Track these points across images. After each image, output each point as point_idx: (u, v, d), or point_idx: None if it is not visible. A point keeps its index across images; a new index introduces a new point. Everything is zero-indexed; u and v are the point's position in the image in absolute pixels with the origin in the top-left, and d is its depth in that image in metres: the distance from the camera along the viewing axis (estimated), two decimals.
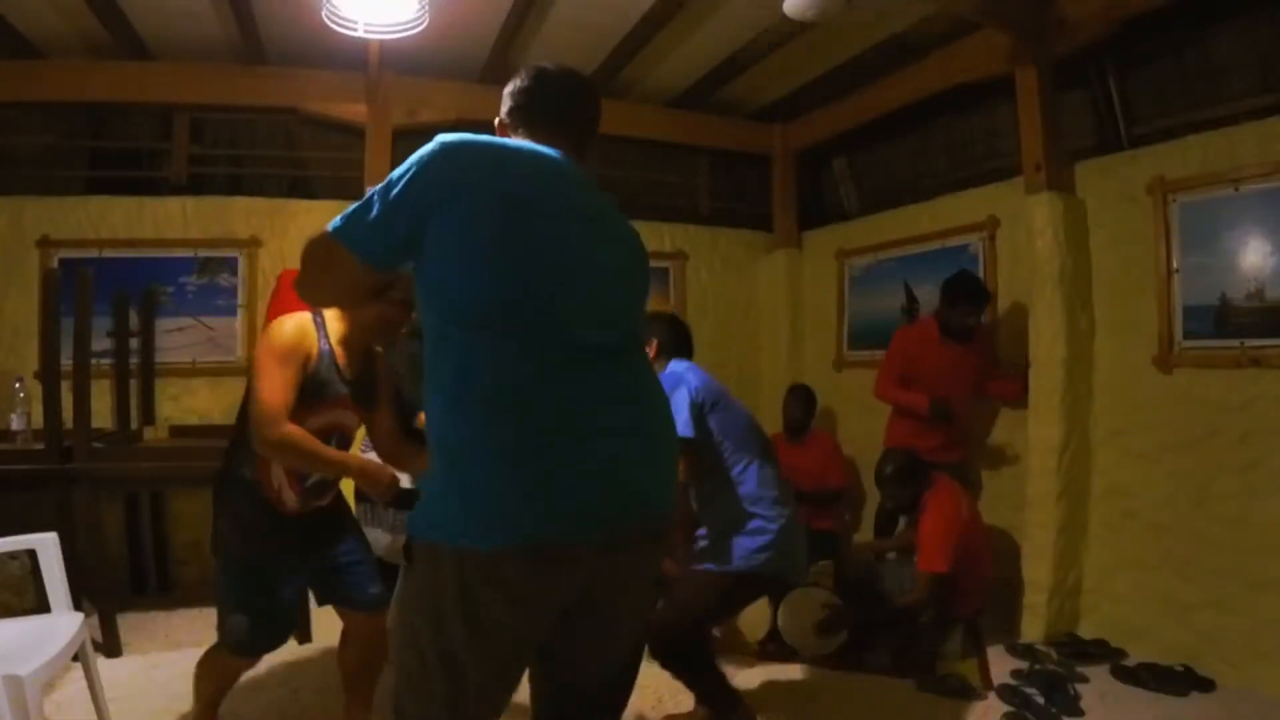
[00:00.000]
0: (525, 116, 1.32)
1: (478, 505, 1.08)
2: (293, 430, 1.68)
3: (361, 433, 2.12)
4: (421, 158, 1.15)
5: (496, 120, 1.36)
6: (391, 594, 2.03)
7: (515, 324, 1.11)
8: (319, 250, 1.21)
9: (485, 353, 1.11)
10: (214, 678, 1.95)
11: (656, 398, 1.29)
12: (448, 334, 1.14)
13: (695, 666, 2.24)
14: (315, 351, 1.77)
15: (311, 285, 1.27)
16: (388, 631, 2.03)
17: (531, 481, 1.08)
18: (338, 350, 1.83)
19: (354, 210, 1.17)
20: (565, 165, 1.25)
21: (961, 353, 3.30)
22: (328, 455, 1.75)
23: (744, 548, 2.18)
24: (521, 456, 1.08)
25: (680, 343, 2.44)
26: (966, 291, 3.26)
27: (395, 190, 1.14)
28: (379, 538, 2.89)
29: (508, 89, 1.35)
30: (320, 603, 2.05)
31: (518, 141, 1.25)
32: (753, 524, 2.19)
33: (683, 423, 2.15)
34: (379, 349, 2.02)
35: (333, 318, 1.84)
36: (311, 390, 1.76)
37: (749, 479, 2.23)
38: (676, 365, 2.36)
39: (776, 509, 2.21)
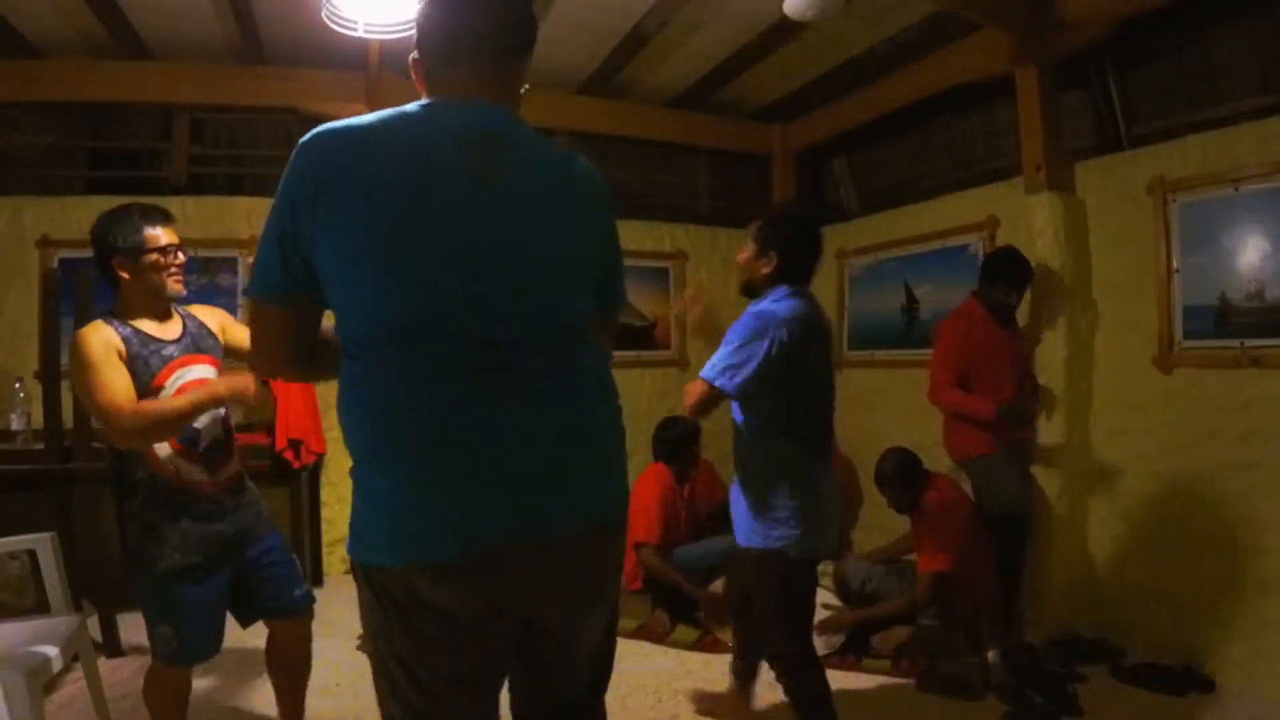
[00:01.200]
0: (431, 53, 1.15)
1: (387, 525, 1.03)
2: (136, 406, 1.68)
3: None
4: (288, 167, 1.04)
5: (410, 56, 1.19)
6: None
7: (402, 335, 1.02)
8: (251, 321, 1.15)
9: (375, 368, 1.03)
10: (163, 696, 1.87)
11: (591, 394, 1.15)
12: (345, 353, 1.08)
13: (805, 692, 1.97)
14: (119, 340, 1.75)
15: (263, 360, 1.18)
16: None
17: (436, 502, 1.01)
18: (139, 326, 1.81)
19: (256, 257, 1.10)
20: (462, 125, 1.08)
21: (1009, 336, 3.04)
22: (183, 401, 1.73)
23: (778, 519, 1.91)
24: (424, 476, 1.02)
25: (803, 262, 2.02)
26: (1008, 267, 3.01)
27: (272, 214, 1.05)
28: None
29: (416, 16, 1.17)
30: (245, 622, 1.96)
31: (390, 116, 1.06)
32: (785, 500, 1.92)
33: (740, 380, 1.85)
34: (188, 308, 1.97)
35: (120, 308, 1.83)
36: (139, 369, 1.75)
37: (798, 462, 1.94)
38: (782, 302, 1.93)
39: (821, 486, 1.97)
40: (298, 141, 1.06)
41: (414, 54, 1.18)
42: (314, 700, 2.43)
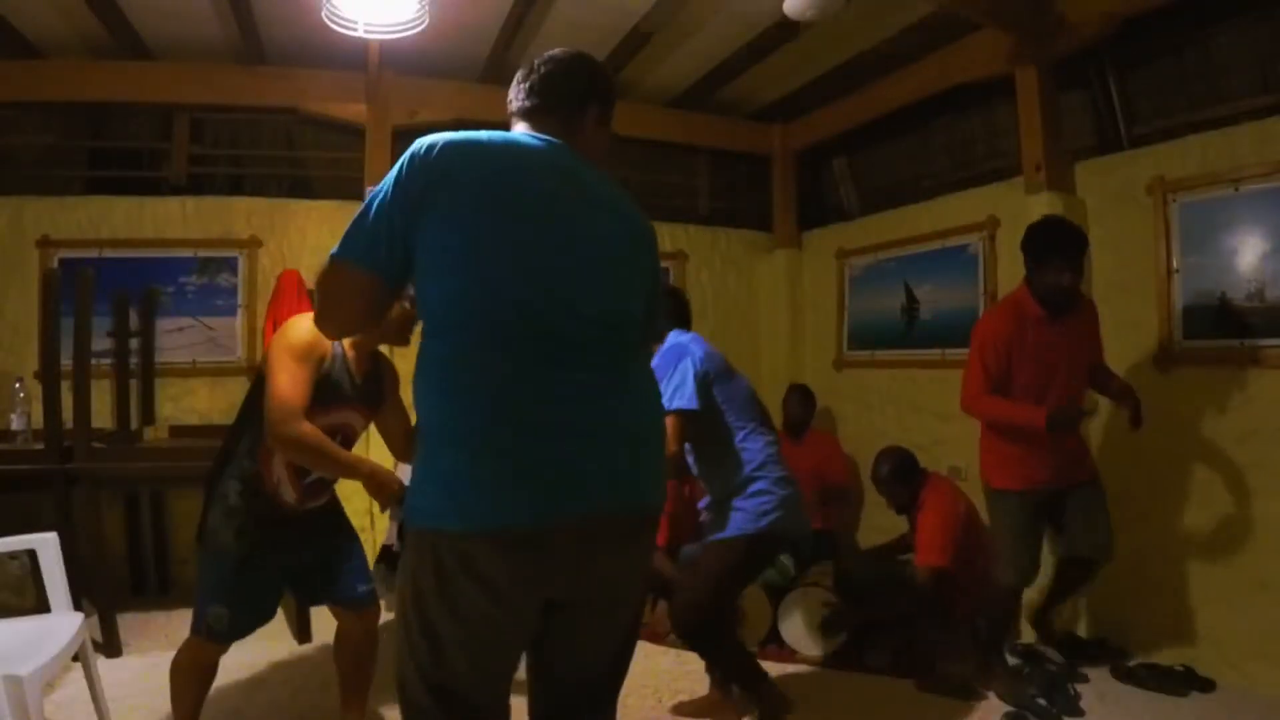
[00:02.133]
0: (517, 106, 1.33)
1: (452, 491, 1.10)
2: (308, 428, 1.69)
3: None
4: (401, 164, 1.17)
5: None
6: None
7: (492, 322, 1.12)
8: (327, 277, 1.23)
9: (462, 351, 1.13)
10: (191, 674, 1.92)
11: (644, 390, 1.28)
12: (430, 334, 1.17)
13: (719, 643, 2.28)
14: (329, 352, 1.78)
15: (330, 315, 1.28)
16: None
17: (503, 470, 1.09)
18: (349, 352, 1.85)
19: (350, 227, 1.18)
20: (549, 151, 1.24)
21: (1065, 330, 2.51)
22: (340, 456, 1.75)
23: (750, 511, 2.22)
24: (494, 447, 1.10)
25: (680, 314, 2.48)
26: (1054, 241, 2.45)
27: (380, 197, 1.16)
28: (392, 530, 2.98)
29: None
30: (310, 603, 2.07)
31: (493, 135, 1.22)
32: (756, 486, 2.24)
33: (688, 395, 2.18)
34: (383, 350, 2.02)
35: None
36: (322, 390, 1.77)
37: (751, 445, 2.28)
38: (679, 336, 2.37)
39: (779, 470, 2.28)
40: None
41: (510, 113, 1.35)
42: (324, 697, 2.44)
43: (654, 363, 2.26)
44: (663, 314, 2.29)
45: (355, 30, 2.36)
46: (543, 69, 1.33)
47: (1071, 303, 2.50)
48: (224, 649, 1.92)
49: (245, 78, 3.82)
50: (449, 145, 1.16)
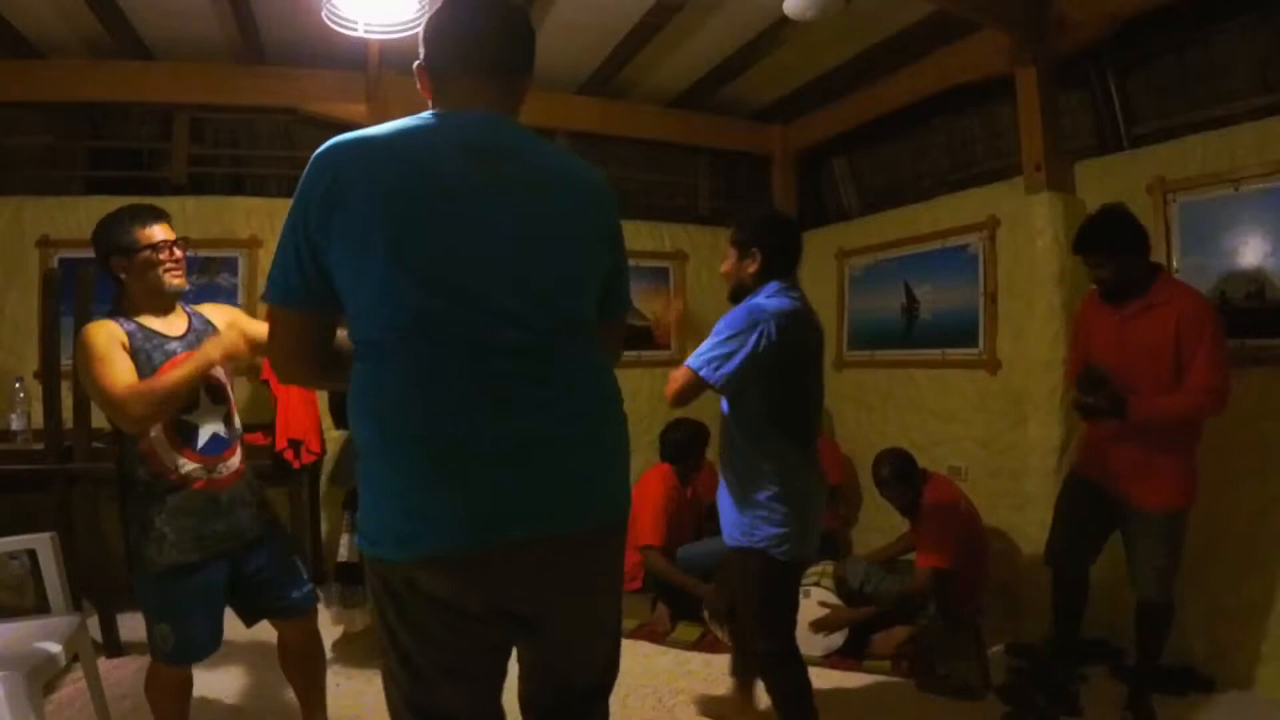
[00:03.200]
0: (438, 65, 1.19)
1: (386, 519, 1.07)
2: (138, 384, 1.71)
3: None
4: (304, 177, 1.08)
5: (415, 64, 1.23)
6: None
7: (416, 338, 1.05)
8: (270, 327, 1.17)
9: (383, 368, 1.06)
10: (165, 695, 1.88)
11: (591, 395, 1.17)
12: (356, 355, 1.11)
13: (782, 687, 2.00)
14: (123, 334, 1.78)
15: (282, 364, 1.19)
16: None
17: (434, 495, 1.04)
18: (144, 321, 1.83)
19: (270, 269, 1.12)
20: (471, 133, 1.12)
21: (1122, 321, 2.38)
22: (181, 371, 1.75)
23: (769, 524, 1.92)
24: (420, 472, 1.05)
25: (786, 254, 2.02)
26: (1079, 237, 2.43)
27: (288, 224, 1.09)
28: (351, 540, 2.93)
29: (423, 25, 1.22)
30: (249, 622, 1.99)
31: (401, 126, 1.10)
32: (778, 503, 1.91)
33: (726, 372, 1.83)
34: (196, 307, 1.99)
35: (125, 306, 1.85)
36: (142, 362, 1.77)
37: (786, 453, 1.94)
38: (772, 299, 1.92)
39: (807, 488, 1.98)
40: (312, 151, 1.09)
41: (419, 61, 1.22)
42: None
43: (725, 315, 1.93)
44: (767, 249, 1.96)
45: (355, 30, 2.36)
46: (462, 23, 1.18)
47: (1124, 294, 2.37)
48: (187, 670, 1.87)
49: (245, 78, 3.82)
50: (338, 151, 1.07)
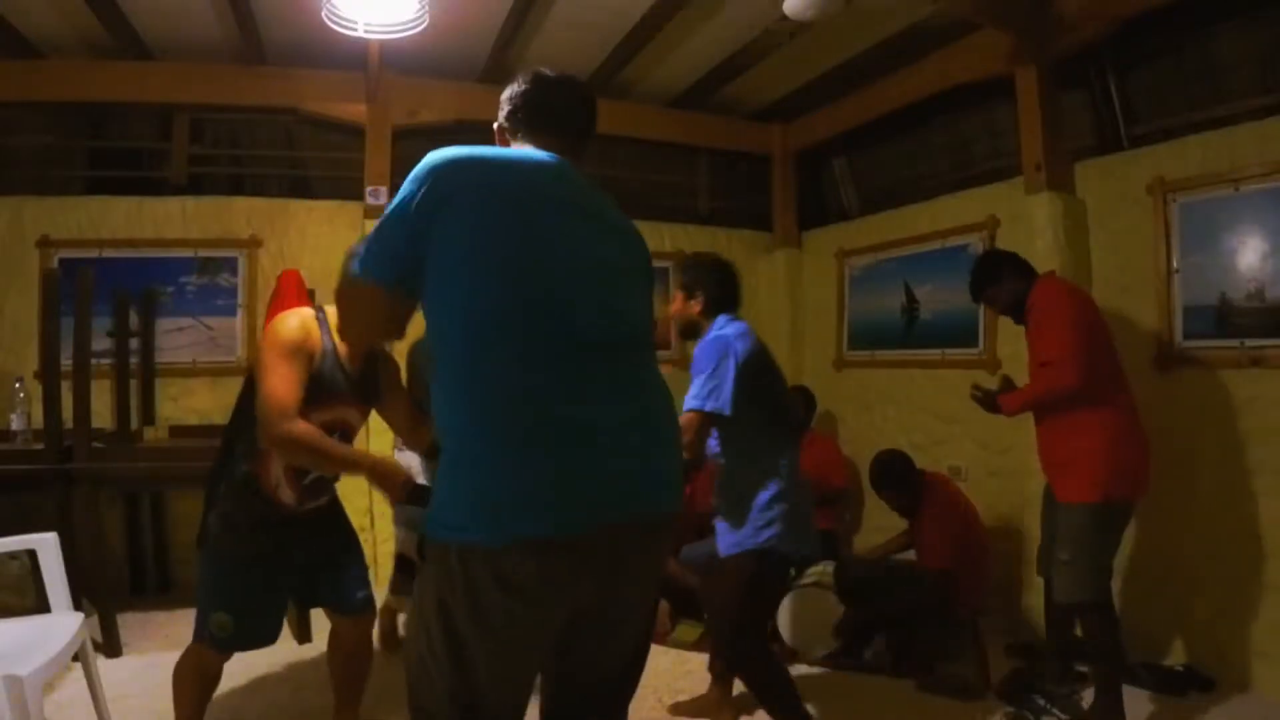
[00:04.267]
0: (524, 121, 1.34)
1: (483, 503, 1.09)
2: (303, 426, 1.64)
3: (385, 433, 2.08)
4: (414, 179, 1.17)
5: (495, 125, 1.38)
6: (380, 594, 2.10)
7: (517, 328, 1.12)
8: (346, 292, 1.30)
9: (480, 358, 1.12)
10: (193, 681, 1.88)
11: (662, 394, 1.28)
12: (447, 341, 1.15)
13: (757, 673, 2.13)
14: (319, 348, 1.75)
15: (352, 326, 1.36)
16: (400, 636, 2.02)
17: (536, 479, 1.08)
18: (341, 347, 1.80)
19: (369, 243, 1.22)
20: (562, 166, 1.27)
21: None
22: (338, 452, 1.71)
23: (760, 525, 2.07)
24: (520, 456, 1.09)
25: (728, 295, 2.25)
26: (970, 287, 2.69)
27: (394, 213, 1.18)
28: (399, 534, 2.95)
29: (506, 94, 1.37)
30: (306, 606, 2.03)
31: (506, 150, 1.26)
32: (768, 503, 2.07)
33: (724, 398, 2.03)
34: (384, 347, 2.00)
35: (335, 316, 1.80)
36: (315, 387, 1.73)
37: (772, 456, 2.12)
38: (727, 327, 2.18)
39: (793, 486, 2.13)
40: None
41: (500, 124, 1.38)
42: (324, 697, 2.43)
43: (695, 352, 2.17)
44: (710, 290, 2.22)
45: (355, 30, 2.36)
46: (549, 89, 1.35)
47: (1017, 316, 2.54)
48: (226, 657, 1.89)
49: (245, 78, 3.82)
50: (462, 160, 1.18)
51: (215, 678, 1.93)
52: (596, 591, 1.17)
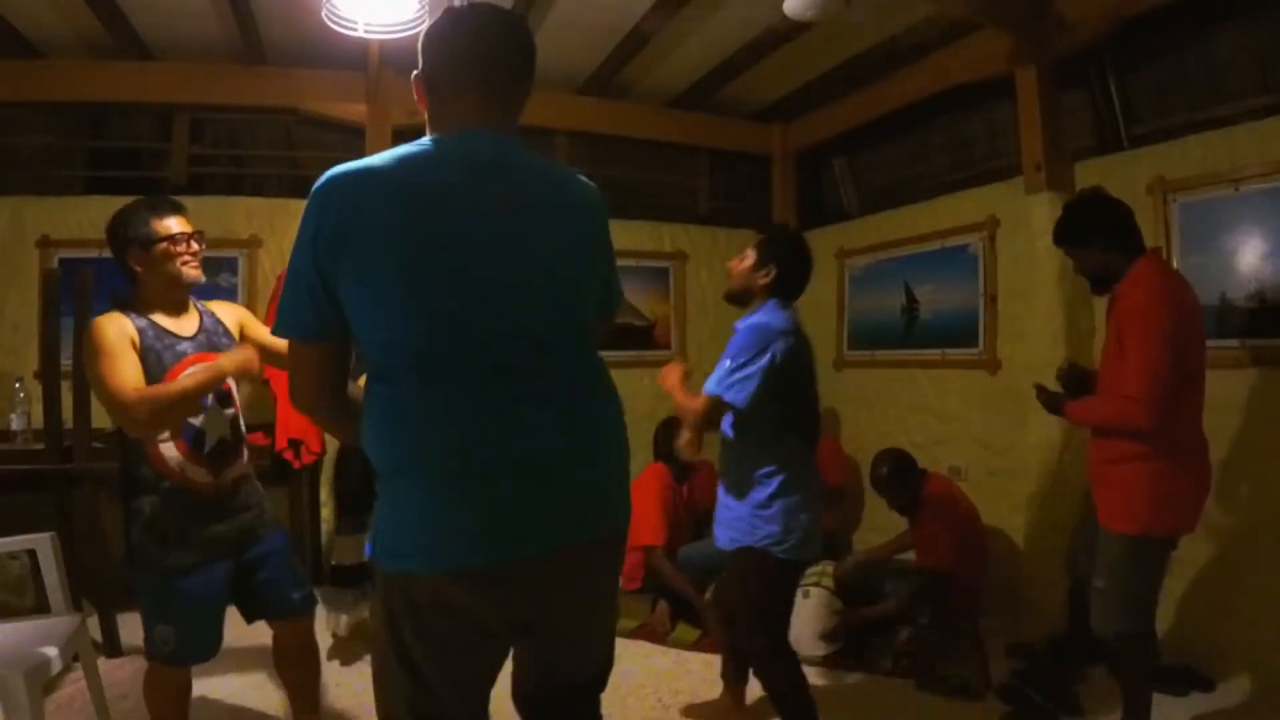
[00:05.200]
0: (442, 78, 1.17)
1: (412, 534, 1.09)
2: (145, 392, 1.68)
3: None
4: (306, 213, 1.09)
5: (413, 74, 1.21)
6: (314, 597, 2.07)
7: (424, 361, 1.08)
8: (289, 361, 1.21)
9: (401, 390, 1.09)
10: (163, 696, 1.87)
11: (599, 409, 1.21)
12: (371, 376, 1.14)
13: (780, 682, 2.06)
14: (134, 330, 1.76)
15: (296, 393, 1.23)
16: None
17: (459, 512, 1.07)
18: (155, 319, 1.81)
19: (281, 301, 1.14)
20: (467, 153, 1.13)
21: (1106, 316, 2.27)
22: (191, 381, 1.74)
23: (771, 525, 2.00)
24: (446, 488, 1.08)
25: (799, 282, 2.12)
26: (1057, 225, 2.29)
27: (294, 261, 1.11)
28: (344, 543, 2.95)
29: (421, 36, 1.20)
30: (248, 619, 1.97)
31: (394, 155, 1.11)
32: (781, 503, 2.01)
33: (744, 394, 1.94)
34: (209, 304, 1.98)
35: (135, 298, 1.84)
36: (151, 362, 1.75)
37: (788, 458, 2.04)
38: (775, 315, 2.04)
39: (808, 491, 2.07)
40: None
41: (417, 72, 1.21)
42: (323, 698, 2.42)
43: (737, 328, 2.06)
44: (781, 268, 2.04)
45: (355, 30, 2.35)
46: (465, 38, 1.17)
47: (1103, 286, 2.20)
48: (186, 671, 1.86)
49: (245, 78, 3.82)
50: (341, 183, 1.08)
51: (184, 688, 1.90)
52: (541, 608, 1.17)
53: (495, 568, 1.09)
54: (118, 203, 1.94)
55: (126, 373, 1.69)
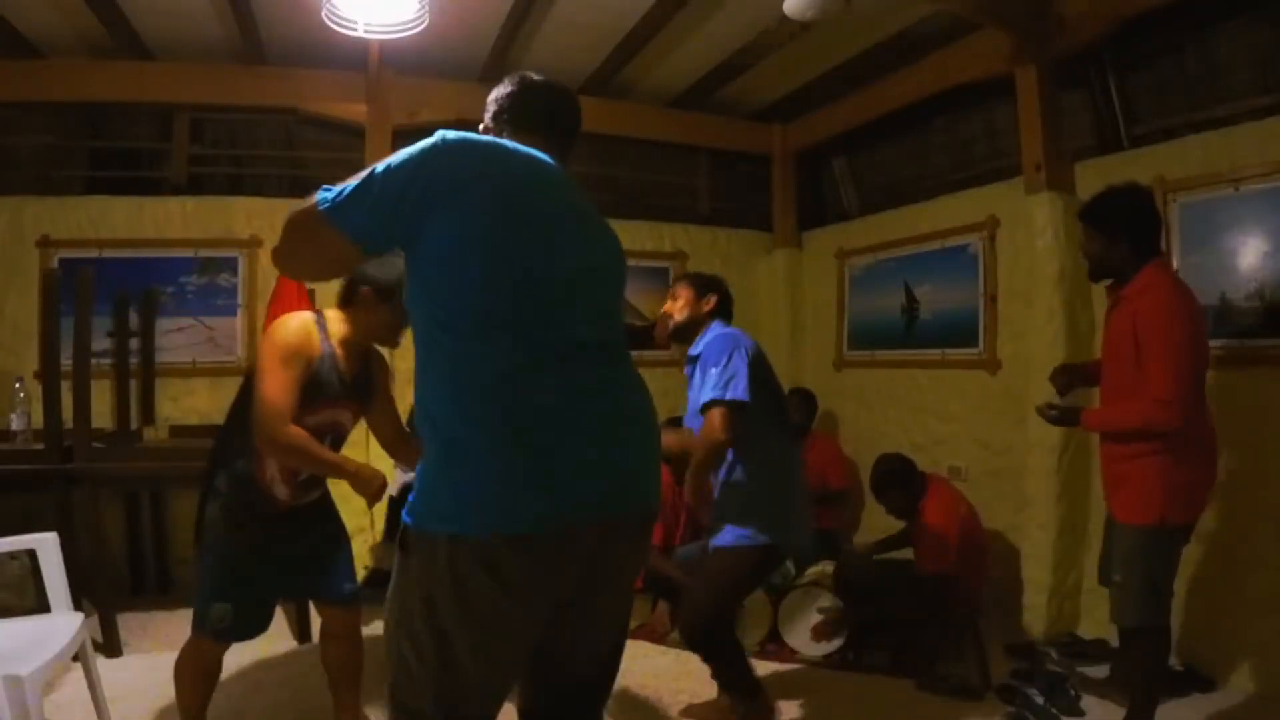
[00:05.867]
0: (509, 122, 1.36)
1: (473, 495, 1.09)
2: (296, 432, 1.73)
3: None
4: (424, 151, 1.14)
5: (481, 125, 1.38)
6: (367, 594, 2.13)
7: (508, 322, 1.13)
8: (307, 224, 1.17)
9: (479, 347, 1.12)
10: (195, 674, 1.94)
11: (643, 394, 1.30)
12: (443, 328, 1.14)
13: (723, 652, 2.26)
14: (317, 352, 1.80)
15: (290, 256, 1.25)
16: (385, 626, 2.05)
17: (525, 472, 1.09)
18: (338, 351, 1.86)
19: (350, 190, 1.14)
20: (555, 167, 1.29)
21: (1107, 313, 2.30)
22: (326, 457, 1.81)
23: (761, 521, 2.19)
24: (515, 448, 1.10)
25: (730, 304, 2.46)
26: (1088, 202, 2.28)
27: (397, 179, 1.13)
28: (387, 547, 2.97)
29: (493, 95, 1.38)
30: (297, 598, 2.10)
31: (515, 143, 1.26)
32: (769, 496, 2.21)
33: (743, 387, 2.13)
34: (377, 348, 2.04)
35: (334, 319, 1.88)
36: (311, 390, 1.79)
37: (773, 452, 2.25)
38: (729, 328, 2.35)
39: (794, 482, 2.29)
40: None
41: (486, 125, 1.38)
42: (324, 698, 2.43)
43: (700, 351, 2.28)
44: (720, 297, 2.40)
45: (355, 30, 2.35)
46: (537, 92, 1.37)
47: (1104, 278, 2.25)
48: (225, 648, 1.93)
49: (245, 78, 3.81)
50: (476, 145, 1.19)
51: (215, 670, 1.97)
52: (578, 585, 1.18)
53: (548, 533, 1.10)
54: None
55: (289, 391, 1.73)
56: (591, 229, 1.30)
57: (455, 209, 1.12)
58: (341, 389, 1.87)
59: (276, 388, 1.71)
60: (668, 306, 2.44)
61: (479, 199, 1.13)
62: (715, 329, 2.33)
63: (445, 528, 1.10)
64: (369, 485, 1.81)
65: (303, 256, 1.27)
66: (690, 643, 2.27)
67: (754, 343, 2.28)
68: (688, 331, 2.38)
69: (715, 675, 2.33)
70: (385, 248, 1.23)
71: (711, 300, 2.38)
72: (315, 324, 1.83)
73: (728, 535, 2.23)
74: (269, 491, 1.90)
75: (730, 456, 2.23)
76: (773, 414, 2.26)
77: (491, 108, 1.38)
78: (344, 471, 1.80)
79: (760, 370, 2.22)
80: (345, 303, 1.88)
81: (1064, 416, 2.28)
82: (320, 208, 1.14)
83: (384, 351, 2.09)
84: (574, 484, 1.12)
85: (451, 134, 1.17)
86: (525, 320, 1.14)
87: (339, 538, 2.10)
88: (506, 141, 1.27)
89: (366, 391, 1.98)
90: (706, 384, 2.16)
